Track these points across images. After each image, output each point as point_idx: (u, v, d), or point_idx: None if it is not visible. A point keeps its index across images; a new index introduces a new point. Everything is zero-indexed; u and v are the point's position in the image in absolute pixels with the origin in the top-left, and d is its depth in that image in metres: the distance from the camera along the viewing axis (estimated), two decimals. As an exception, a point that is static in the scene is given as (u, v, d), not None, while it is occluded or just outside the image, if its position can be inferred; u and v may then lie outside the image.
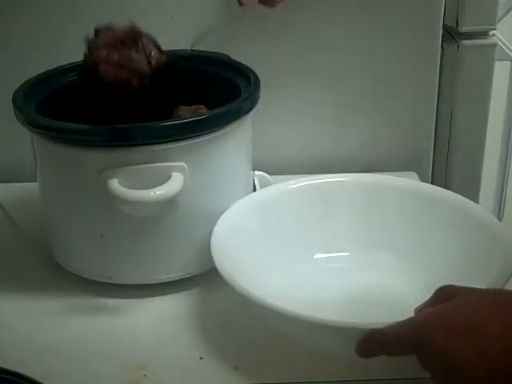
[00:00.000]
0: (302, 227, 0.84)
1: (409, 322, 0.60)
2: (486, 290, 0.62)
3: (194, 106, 0.86)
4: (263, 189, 0.87)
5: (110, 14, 1.01)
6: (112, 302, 0.82)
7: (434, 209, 0.83)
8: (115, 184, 0.75)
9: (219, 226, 0.78)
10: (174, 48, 0.93)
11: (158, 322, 0.79)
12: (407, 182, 0.87)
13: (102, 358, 0.74)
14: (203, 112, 0.85)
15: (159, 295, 0.82)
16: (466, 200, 0.83)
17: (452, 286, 0.65)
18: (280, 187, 0.87)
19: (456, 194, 0.84)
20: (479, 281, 0.66)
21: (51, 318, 0.80)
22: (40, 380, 0.63)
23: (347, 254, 0.81)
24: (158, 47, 0.81)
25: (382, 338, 0.61)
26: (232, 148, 0.81)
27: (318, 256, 0.85)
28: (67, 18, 1.00)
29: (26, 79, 0.85)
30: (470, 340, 0.56)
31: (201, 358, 0.73)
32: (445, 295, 0.62)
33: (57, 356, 0.75)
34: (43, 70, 0.88)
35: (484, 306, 0.59)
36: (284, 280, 0.80)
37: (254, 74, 0.85)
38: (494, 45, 1.06)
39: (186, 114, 0.85)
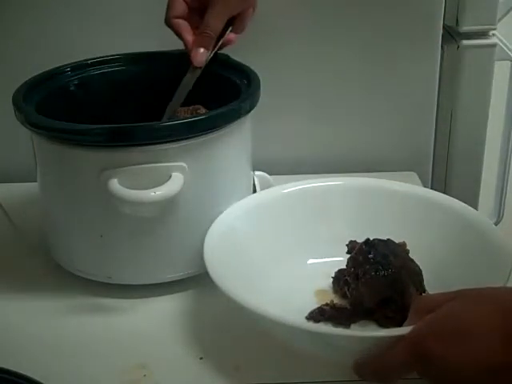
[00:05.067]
0: (295, 231, 0.84)
1: (401, 340, 0.61)
2: (465, 292, 0.62)
3: (191, 107, 0.86)
4: (255, 194, 0.87)
5: (111, 14, 1.01)
6: (112, 302, 0.82)
7: (429, 212, 0.83)
8: (115, 184, 0.75)
9: (211, 232, 0.78)
10: (173, 48, 0.93)
11: (157, 322, 0.79)
12: (402, 186, 0.87)
13: (102, 358, 0.74)
14: (202, 112, 0.85)
15: (159, 295, 0.82)
16: (461, 203, 0.82)
17: (426, 297, 0.70)
18: (272, 192, 0.87)
19: (451, 198, 0.84)
20: (475, 285, 0.65)
21: (51, 318, 0.80)
22: (40, 380, 0.63)
23: (341, 258, 0.80)
24: None
25: (379, 364, 0.63)
26: (232, 148, 0.81)
27: (311, 261, 0.85)
28: (67, 18, 1.00)
29: (26, 79, 0.85)
30: (466, 343, 0.57)
31: (201, 358, 0.73)
32: (425, 307, 0.62)
33: (57, 356, 0.75)
34: (43, 70, 0.88)
35: (467, 307, 0.60)
36: (277, 285, 0.80)
37: (254, 73, 0.85)
38: (494, 45, 1.06)
39: (185, 114, 0.85)
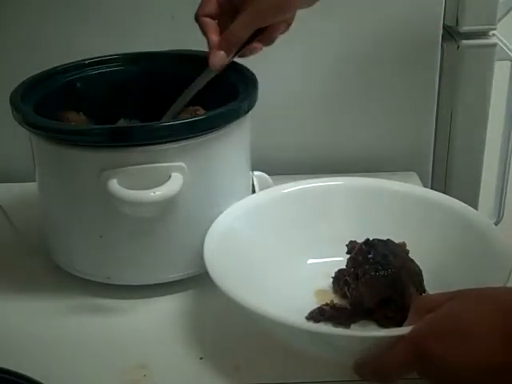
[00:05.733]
0: (295, 232, 0.84)
1: (401, 340, 0.61)
2: (465, 292, 0.62)
3: (191, 108, 0.86)
4: (255, 194, 0.87)
5: (110, 14, 1.01)
6: (111, 302, 0.82)
7: (429, 212, 0.83)
8: (115, 184, 0.75)
9: (211, 232, 0.78)
10: (174, 48, 0.93)
11: (157, 322, 0.79)
12: (401, 186, 0.87)
13: (101, 358, 0.74)
14: (201, 113, 0.85)
15: (159, 295, 0.82)
16: (461, 203, 0.82)
17: (426, 297, 0.70)
18: (272, 192, 0.87)
19: (451, 198, 0.84)
20: (475, 285, 0.66)
21: (50, 318, 0.80)
22: (40, 380, 0.63)
23: (341, 258, 0.80)
24: None
25: (379, 364, 0.63)
26: (231, 148, 0.81)
27: (311, 261, 0.85)
28: (65, 18, 1.00)
29: (24, 79, 0.85)
30: (466, 343, 0.57)
31: (201, 358, 0.73)
32: (425, 307, 0.62)
33: (57, 356, 0.75)
34: (41, 70, 0.87)
35: (467, 307, 0.60)
36: (277, 285, 0.80)
37: (252, 74, 0.85)
38: (494, 45, 1.05)
39: (184, 115, 0.85)
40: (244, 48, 0.83)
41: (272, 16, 0.82)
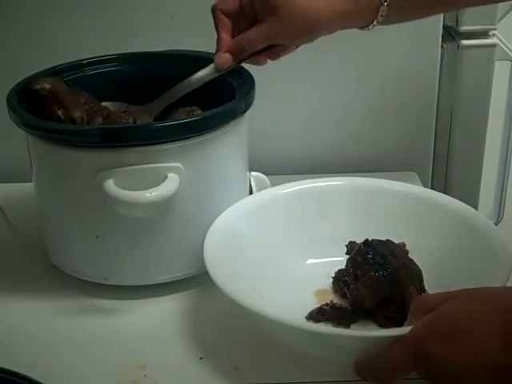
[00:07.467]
0: (295, 232, 0.84)
1: (401, 341, 0.61)
2: (465, 292, 0.62)
3: (188, 108, 0.86)
4: (255, 194, 0.87)
5: (110, 14, 1.01)
6: (109, 302, 0.81)
7: (429, 212, 0.83)
8: (111, 185, 0.75)
9: (211, 232, 0.78)
10: (173, 48, 0.93)
11: (157, 322, 0.79)
12: (402, 186, 0.87)
13: (102, 358, 0.74)
14: (197, 113, 0.85)
15: (157, 296, 0.82)
16: (461, 203, 0.82)
17: (425, 297, 0.69)
18: (272, 192, 0.87)
19: (451, 198, 0.84)
20: (475, 285, 0.65)
21: (49, 318, 0.80)
22: (40, 380, 0.63)
23: (341, 258, 0.80)
24: None
25: (379, 364, 0.63)
26: (228, 149, 0.81)
27: (311, 261, 0.85)
28: (65, 18, 1.00)
29: (21, 79, 0.85)
30: (466, 343, 0.57)
31: (201, 358, 0.73)
32: (425, 307, 0.62)
33: (57, 356, 0.75)
34: (39, 70, 0.87)
35: (467, 307, 0.60)
36: (277, 285, 0.80)
37: (248, 73, 0.85)
38: (494, 45, 1.06)
39: (181, 115, 0.85)
40: (251, 57, 0.82)
41: (295, 37, 0.81)
